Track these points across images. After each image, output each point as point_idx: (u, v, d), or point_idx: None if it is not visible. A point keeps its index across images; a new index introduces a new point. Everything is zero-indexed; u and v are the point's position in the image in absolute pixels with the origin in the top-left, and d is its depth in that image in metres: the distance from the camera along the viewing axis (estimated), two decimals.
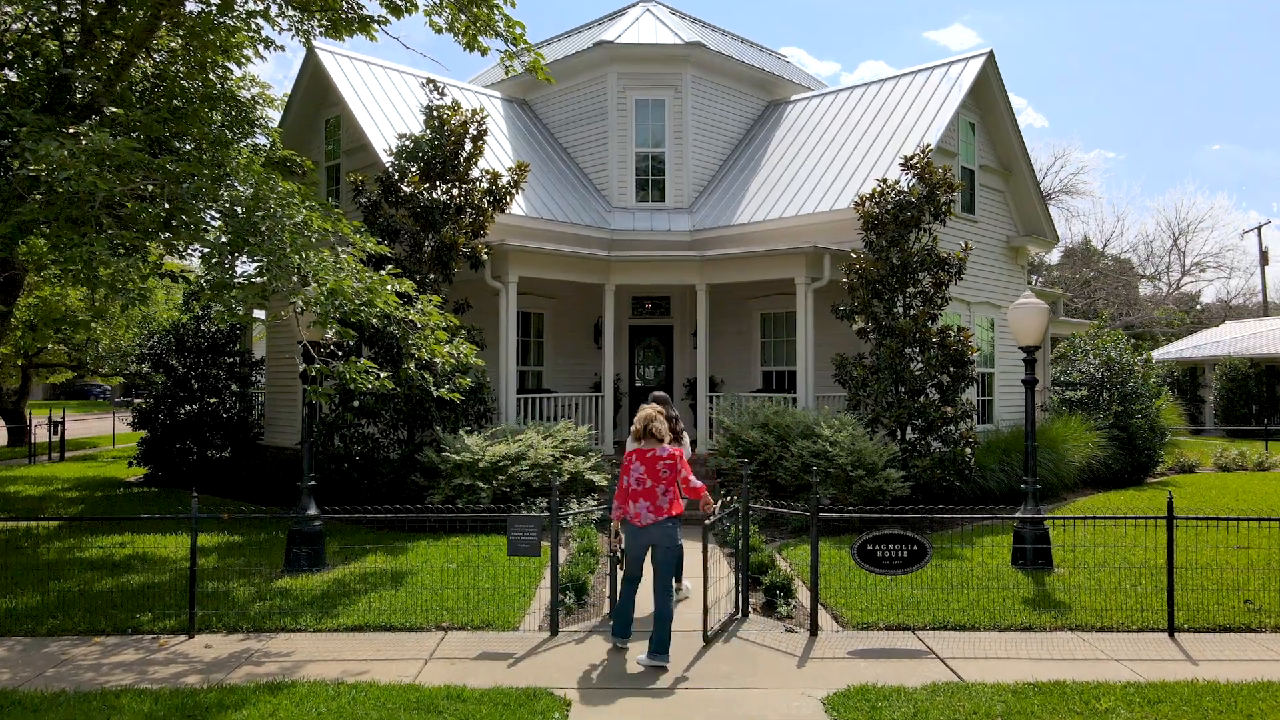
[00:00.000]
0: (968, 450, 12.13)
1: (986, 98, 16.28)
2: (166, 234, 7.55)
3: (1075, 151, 78.62)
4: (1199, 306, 50.53)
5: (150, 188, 7.69)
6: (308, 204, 8.77)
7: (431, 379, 9.26)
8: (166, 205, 7.50)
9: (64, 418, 22.01)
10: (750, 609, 7.94)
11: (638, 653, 6.60)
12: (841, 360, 12.94)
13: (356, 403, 11.81)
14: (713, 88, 17.73)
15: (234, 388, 17.86)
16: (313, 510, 9.25)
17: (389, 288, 8.52)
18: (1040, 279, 42.80)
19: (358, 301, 7.81)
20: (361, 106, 15.21)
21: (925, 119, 15.31)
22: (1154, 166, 78.72)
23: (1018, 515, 9.15)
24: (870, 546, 7.19)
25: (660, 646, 6.39)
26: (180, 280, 9.54)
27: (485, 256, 12.81)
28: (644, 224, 16.75)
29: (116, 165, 7.32)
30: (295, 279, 7.64)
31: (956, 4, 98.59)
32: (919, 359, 12.39)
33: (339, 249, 8.44)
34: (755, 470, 12.23)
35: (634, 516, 6.68)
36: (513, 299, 13.22)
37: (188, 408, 17.50)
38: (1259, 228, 46.05)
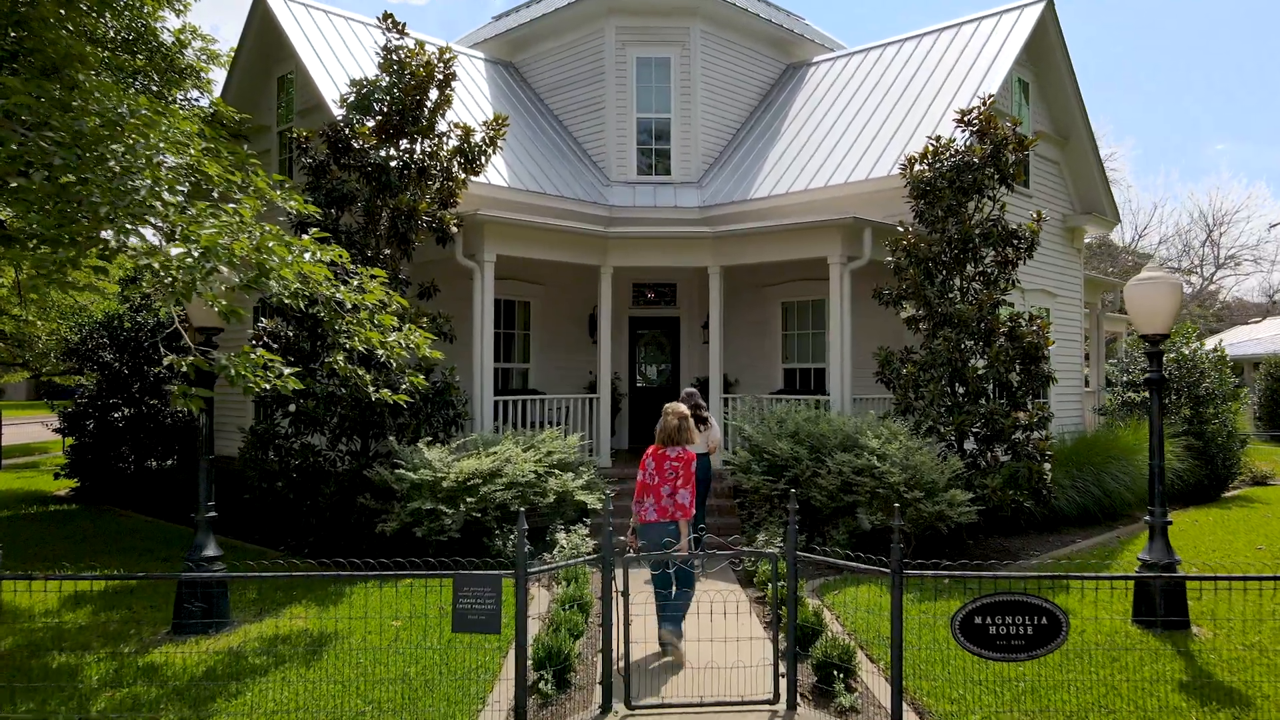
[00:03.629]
0: (1046, 465, 9.88)
1: (1044, 52, 14.05)
2: None
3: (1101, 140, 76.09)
4: (1217, 304, 48.26)
5: None
6: (206, 147, 6.62)
7: (369, 376, 7.03)
8: None
9: (0, 420, 19.77)
10: (798, 695, 5.71)
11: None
12: (886, 355, 10.70)
13: (293, 407, 9.57)
14: (725, 45, 15.49)
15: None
16: (211, 550, 7.02)
17: (309, 256, 6.33)
18: None
19: (252, 272, 5.61)
20: (317, 60, 12.99)
21: (977, 72, 13.08)
22: (1160, 165, 76.37)
23: (1163, 574, 6.91)
24: (979, 619, 4.96)
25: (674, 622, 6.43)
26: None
27: (455, 229, 10.57)
28: (646, 199, 14.52)
29: None
30: (155, 234, 5.44)
31: None
32: (982, 353, 10.16)
33: (243, 202, 6.24)
34: (784, 488, 10.01)
35: (641, 514, 6.60)
36: (489, 281, 10.98)
37: (124, 411, 15.30)
38: None
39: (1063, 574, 5.52)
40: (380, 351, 7.13)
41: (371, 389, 7.03)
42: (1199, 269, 34.52)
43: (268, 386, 5.64)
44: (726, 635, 6.40)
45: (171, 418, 15.89)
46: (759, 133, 15.37)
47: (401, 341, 7.26)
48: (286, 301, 6.50)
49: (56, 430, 15.53)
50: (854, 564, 5.25)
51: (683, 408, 6.85)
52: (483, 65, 16.09)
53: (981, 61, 13.30)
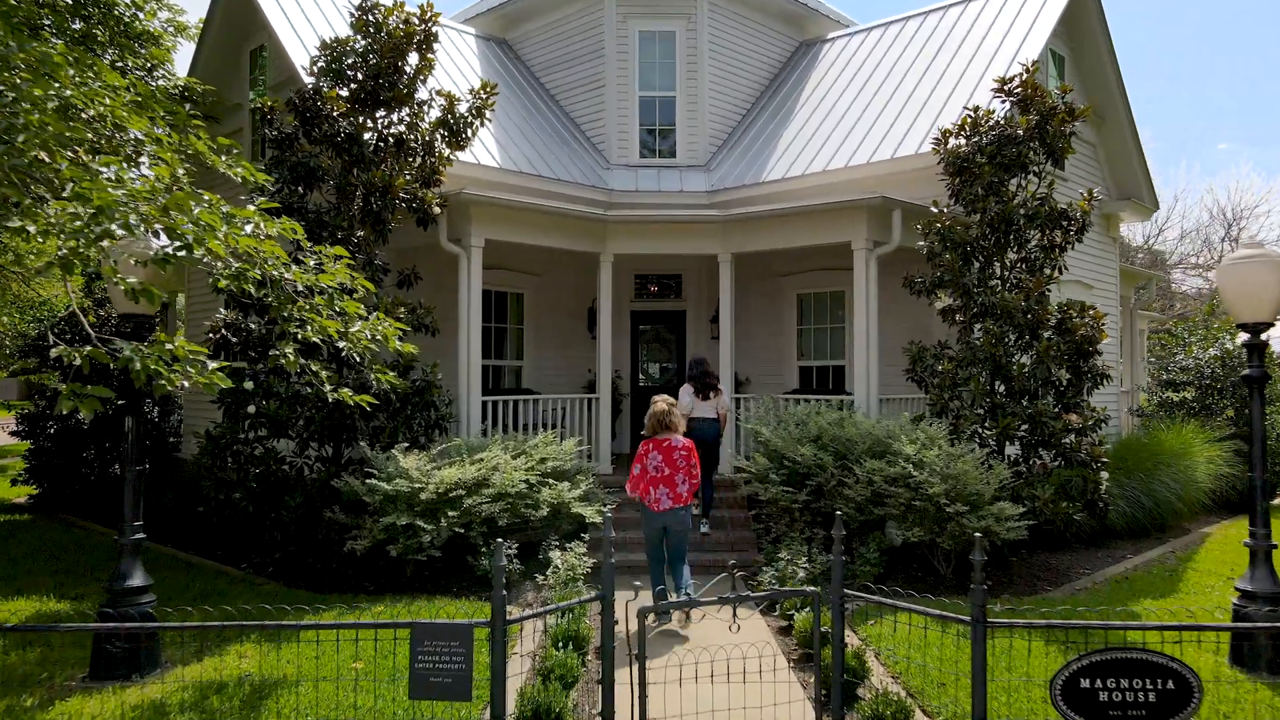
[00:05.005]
0: (1103, 475, 8.77)
1: (1081, 22, 12.96)
2: None
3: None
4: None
5: None
6: (132, 100, 5.56)
7: (326, 374, 5.93)
8: None
9: None
10: None
11: None
12: (918, 351, 9.61)
13: (252, 408, 8.48)
14: (733, 19, 14.40)
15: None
16: (138, 579, 5.93)
17: (251, 229, 5.26)
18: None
19: (171, 247, 4.52)
20: (290, 30, 11.89)
21: (1011, 42, 12.02)
22: (1180, 157, 75.12)
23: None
24: (1086, 682, 3.87)
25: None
26: None
27: (438, 210, 9.48)
28: (649, 183, 13.42)
29: None
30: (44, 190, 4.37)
31: None
32: (1028, 348, 9.08)
33: (160, 155, 5.18)
34: (806, 499, 8.93)
35: (653, 502, 7.16)
36: (476, 268, 9.89)
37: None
38: None
39: (1191, 624, 4.40)
40: (342, 344, 6.07)
41: (329, 387, 5.93)
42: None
43: (185, 384, 4.54)
44: (751, 682, 5.30)
45: (140, 419, 14.81)
46: (770, 113, 14.28)
47: (368, 333, 6.18)
48: (225, 284, 5.48)
49: (13, 434, 14.44)
50: (920, 608, 4.14)
51: (670, 399, 7.59)
52: (473, 41, 15.00)
53: (1016, 31, 12.22)
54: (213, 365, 4.67)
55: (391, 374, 6.49)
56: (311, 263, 6.18)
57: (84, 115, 5.29)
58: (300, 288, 5.78)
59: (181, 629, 4.15)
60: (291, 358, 5.66)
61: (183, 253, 4.75)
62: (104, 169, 4.74)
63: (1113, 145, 14.05)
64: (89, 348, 4.45)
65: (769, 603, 7.67)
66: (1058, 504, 8.41)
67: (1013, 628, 3.94)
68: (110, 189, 4.29)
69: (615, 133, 13.85)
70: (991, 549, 8.56)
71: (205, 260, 4.97)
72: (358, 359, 6.21)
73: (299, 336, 5.77)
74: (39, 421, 14.07)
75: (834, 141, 12.59)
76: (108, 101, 5.25)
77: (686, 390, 9.47)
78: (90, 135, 5.01)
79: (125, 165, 4.99)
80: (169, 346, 4.60)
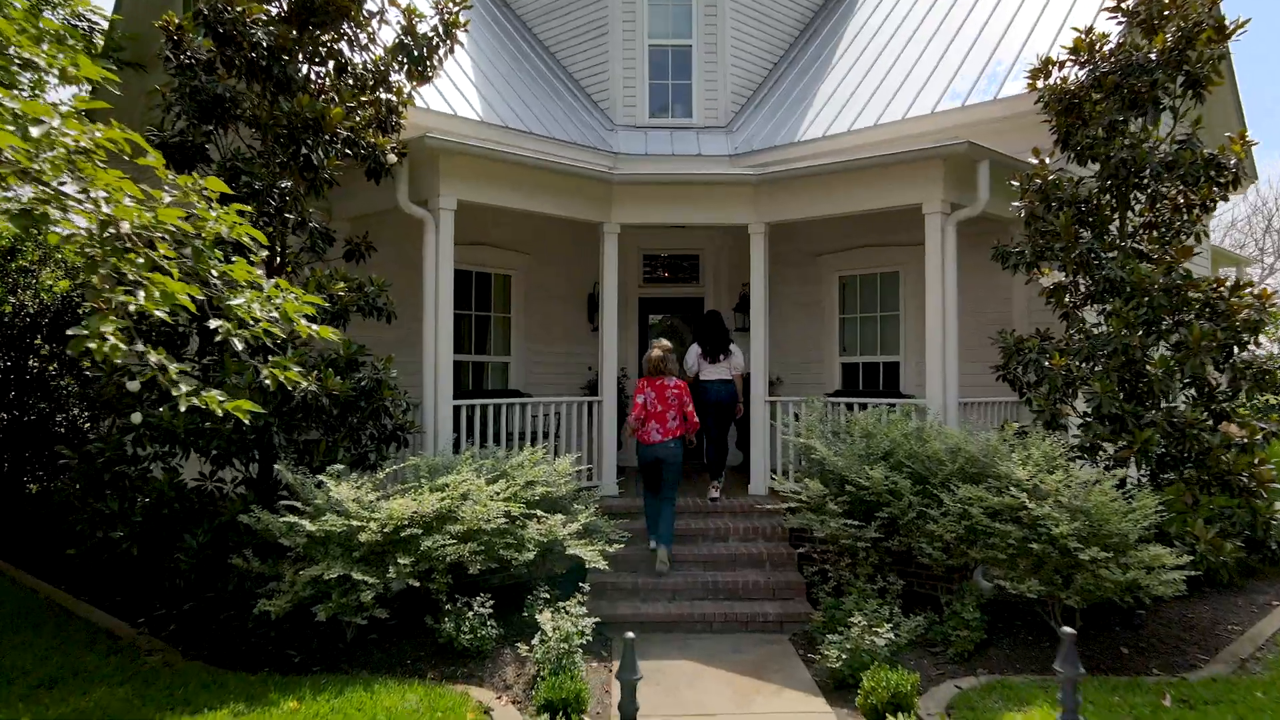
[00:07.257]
0: (1278, 505, 6.58)
1: None
2: None
3: None
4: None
5: None
6: None
7: (175, 368, 3.78)
8: None
9: None
10: None
11: None
12: (1016, 342, 7.44)
13: (137, 416, 6.29)
14: None
15: (75, 388, 12.41)
16: None
17: (38, 130, 3.25)
18: None
19: None
20: None
21: None
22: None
23: None
24: None
25: (669, 539, 7.53)
26: None
27: (394, 159, 7.31)
28: (661, 146, 11.26)
29: None
30: None
31: None
32: (1171, 334, 6.92)
33: None
34: (875, 537, 6.78)
35: (644, 434, 7.59)
36: (446, 237, 7.72)
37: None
38: None
39: None
40: (215, 324, 3.98)
41: (185, 388, 3.78)
42: (1261, 258, 31.32)
43: None
44: None
45: (66, 426, 12.68)
46: (802, 67, 12.12)
47: (258, 307, 4.08)
48: None
49: None
50: None
51: (666, 344, 7.87)
52: None
53: None
54: None
55: (295, 370, 4.33)
56: (166, 199, 4.05)
57: None
58: (128, 230, 3.66)
59: None
60: (112, 340, 3.52)
61: None
62: None
63: (1211, 102, 11.87)
64: None
65: (833, 678, 5.51)
66: (1221, 546, 6.23)
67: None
68: None
69: (621, 88, 11.70)
70: (1125, 604, 6.40)
71: None
72: (240, 346, 4.09)
73: (130, 309, 3.67)
74: None
75: (885, 92, 10.44)
76: None
77: (694, 351, 9.06)
78: None
79: None
80: None
